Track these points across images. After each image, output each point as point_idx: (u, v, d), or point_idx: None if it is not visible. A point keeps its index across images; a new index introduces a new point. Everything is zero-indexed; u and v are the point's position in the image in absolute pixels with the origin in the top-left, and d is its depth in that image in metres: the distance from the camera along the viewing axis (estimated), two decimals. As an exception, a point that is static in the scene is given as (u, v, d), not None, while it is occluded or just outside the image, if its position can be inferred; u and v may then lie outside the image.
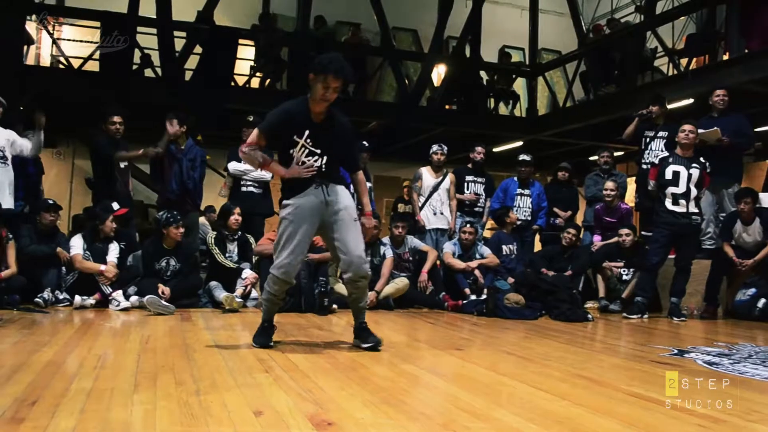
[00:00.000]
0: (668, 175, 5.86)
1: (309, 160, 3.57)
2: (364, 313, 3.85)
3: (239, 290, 5.64)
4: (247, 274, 5.76)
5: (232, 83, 9.56)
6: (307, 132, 3.58)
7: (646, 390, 2.80)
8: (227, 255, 5.95)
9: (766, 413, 2.53)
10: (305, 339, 4.10)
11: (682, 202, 5.82)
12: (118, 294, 5.32)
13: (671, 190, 5.85)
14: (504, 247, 7.00)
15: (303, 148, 3.57)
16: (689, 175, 5.83)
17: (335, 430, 2.03)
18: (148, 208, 8.20)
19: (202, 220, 7.54)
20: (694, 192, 5.83)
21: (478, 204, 7.49)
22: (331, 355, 3.52)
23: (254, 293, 5.79)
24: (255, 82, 10.11)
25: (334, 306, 5.71)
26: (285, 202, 3.61)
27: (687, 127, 5.96)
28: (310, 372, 2.94)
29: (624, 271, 6.69)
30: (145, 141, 6.62)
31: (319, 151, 3.59)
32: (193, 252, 6.05)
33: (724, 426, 2.27)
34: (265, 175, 6.53)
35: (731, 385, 3.02)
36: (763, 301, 5.99)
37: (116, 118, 6.28)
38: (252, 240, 6.12)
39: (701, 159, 5.95)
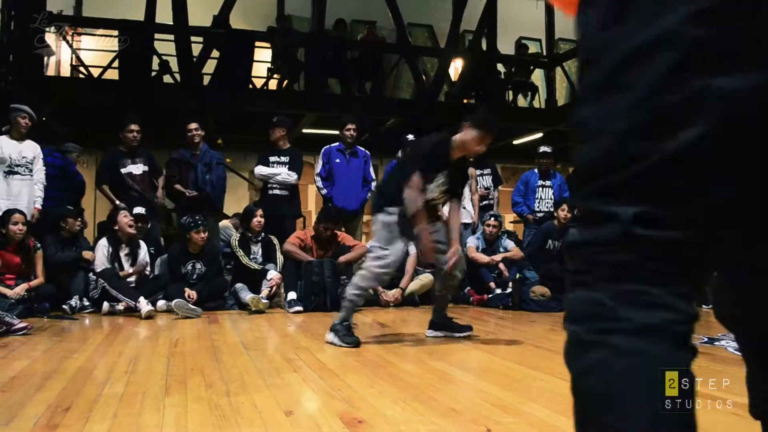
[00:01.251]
0: None
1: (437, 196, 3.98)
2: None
3: (265, 291, 5.67)
4: (272, 275, 5.78)
5: (250, 86, 9.59)
6: (445, 172, 3.92)
7: (678, 379, 2.76)
8: (251, 257, 5.98)
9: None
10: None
11: None
12: (143, 301, 5.35)
13: None
14: (550, 242, 6.91)
15: (437, 184, 3.93)
16: None
17: (366, 428, 2.02)
18: (171, 212, 8.26)
19: (225, 223, 7.57)
20: None
21: (489, 198, 7.44)
22: (358, 353, 3.52)
23: (288, 295, 5.75)
24: (273, 84, 10.14)
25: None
26: (390, 208, 3.83)
27: None
28: (338, 371, 2.95)
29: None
30: (165, 146, 6.68)
31: (446, 188, 3.97)
32: (216, 255, 6.09)
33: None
34: (289, 178, 6.58)
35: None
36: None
37: (134, 126, 6.38)
38: (276, 241, 6.14)
39: None
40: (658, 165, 0.76)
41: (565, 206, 6.37)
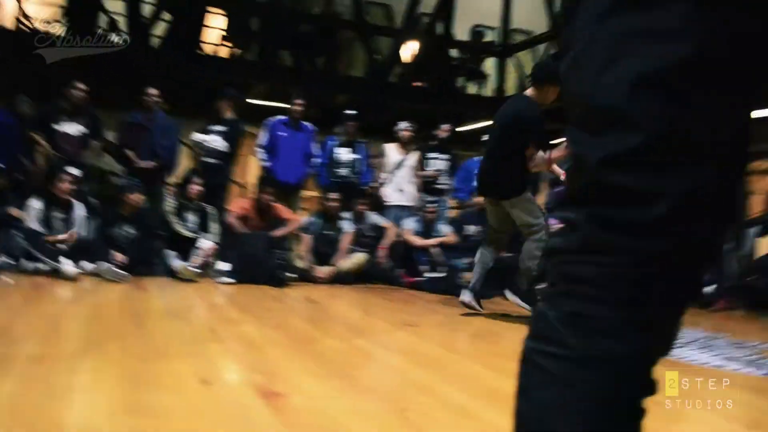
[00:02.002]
0: None
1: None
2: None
3: (196, 260, 5.59)
4: (205, 244, 5.70)
5: (200, 52, 9.37)
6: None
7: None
8: (186, 224, 5.88)
9: (699, 395, 2.61)
10: (260, 311, 4.09)
11: None
12: (67, 261, 5.20)
13: None
14: (468, 227, 7.03)
15: None
16: None
17: (282, 401, 2.03)
18: (108, 174, 8.02)
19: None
20: None
21: (439, 181, 7.48)
22: (284, 327, 3.52)
23: (221, 264, 5.68)
24: (224, 52, 9.93)
25: (291, 277, 5.71)
26: (527, 194, 4.39)
27: None
28: (261, 343, 2.94)
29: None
30: (114, 108, 6.53)
31: None
32: (153, 221, 5.96)
33: (657, 407, 2.32)
34: (220, 146, 6.51)
35: (672, 367, 3.10)
36: (709, 287, 6.13)
37: (80, 85, 6.18)
38: (211, 210, 6.06)
39: None
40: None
41: None
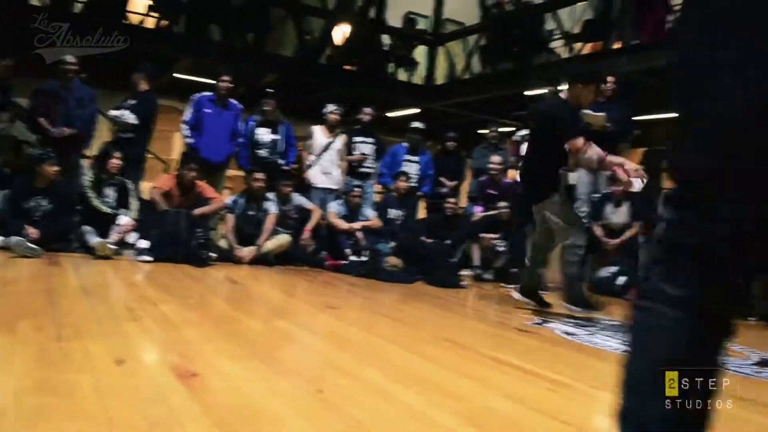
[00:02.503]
0: (523, 151, 6.18)
1: None
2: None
3: (114, 236, 5.44)
4: (124, 220, 5.55)
5: (124, 21, 9.06)
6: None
7: (505, 354, 2.96)
8: (104, 199, 5.71)
9: (609, 380, 2.73)
10: (180, 290, 4.04)
11: None
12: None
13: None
14: (391, 211, 7.11)
15: None
16: None
17: (198, 381, 2.02)
18: (21, 144, 7.67)
19: (83, 162, 7.18)
20: None
21: (365, 164, 7.52)
22: (204, 308, 3.49)
23: (140, 242, 5.54)
24: (150, 22, 9.63)
25: (213, 257, 5.65)
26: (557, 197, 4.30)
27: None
28: (180, 323, 2.90)
29: (499, 242, 6.96)
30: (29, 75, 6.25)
31: None
32: (69, 194, 5.75)
33: (569, 390, 2.45)
34: (130, 120, 6.36)
35: (584, 353, 3.25)
36: (623, 278, 6.40)
37: None
38: (131, 186, 5.90)
39: None
40: None
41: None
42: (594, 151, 4.12)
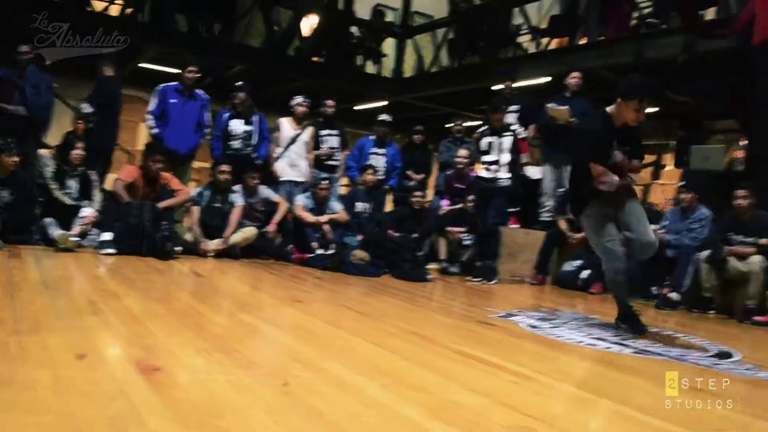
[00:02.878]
0: (483, 146, 6.25)
1: None
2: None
3: (76, 229, 5.35)
4: (87, 212, 5.46)
5: (88, 8, 8.90)
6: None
7: (470, 348, 2.99)
8: (66, 191, 5.61)
9: (572, 373, 2.80)
10: (143, 284, 3.99)
11: (492, 168, 6.22)
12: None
13: (484, 158, 6.25)
14: (358, 204, 7.11)
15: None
16: (500, 144, 6.21)
17: (162, 375, 2.00)
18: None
19: (44, 152, 7.04)
20: (505, 159, 6.20)
21: (333, 158, 7.51)
22: (168, 301, 3.46)
23: (103, 234, 5.44)
24: (114, 10, 9.46)
25: (178, 250, 5.60)
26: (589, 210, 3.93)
27: (495, 116, 6.28)
28: (143, 317, 2.87)
29: (466, 236, 7.01)
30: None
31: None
32: (29, 184, 5.64)
33: (532, 383, 2.48)
34: (85, 110, 6.37)
35: (547, 346, 3.29)
36: (586, 272, 6.49)
37: None
38: (95, 177, 5.81)
39: (511, 127, 6.41)
40: None
41: None
42: (611, 180, 3.75)
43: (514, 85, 7.51)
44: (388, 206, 8.11)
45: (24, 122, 5.98)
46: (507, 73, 7.50)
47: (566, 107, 6.89)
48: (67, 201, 5.54)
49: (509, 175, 6.16)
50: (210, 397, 1.86)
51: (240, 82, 7.12)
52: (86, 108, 6.41)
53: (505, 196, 6.23)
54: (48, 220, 5.38)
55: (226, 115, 6.88)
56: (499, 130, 6.14)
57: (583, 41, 8.78)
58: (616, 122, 3.81)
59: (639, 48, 7.58)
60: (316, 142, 7.31)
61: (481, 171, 6.29)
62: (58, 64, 8.42)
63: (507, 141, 6.16)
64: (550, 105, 6.97)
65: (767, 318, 5.22)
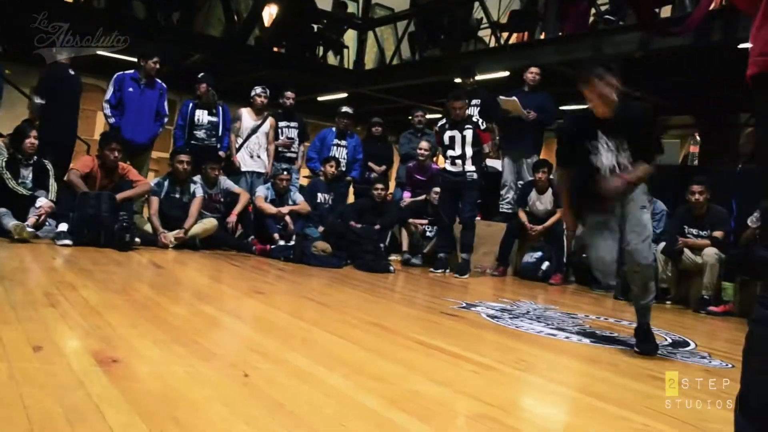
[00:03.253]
0: (446, 140, 6.30)
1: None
2: (646, 312, 3.30)
3: (32, 219, 5.23)
4: (42, 202, 5.34)
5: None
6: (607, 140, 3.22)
7: (431, 338, 3.02)
8: (20, 181, 5.49)
9: (532, 362, 2.84)
10: (101, 275, 3.93)
11: (458, 162, 6.27)
12: None
13: (449, 153, 6.29)
14: (319, 195, 7.09)
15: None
16: (463, 137, 6.26)
17: (120, 367, 1.98)
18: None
19: (-5, 141, 6.88)
20: (470, 152, 6.25)
21: (292, 149, 7.48)
22: (127, 292, 3.42)
23: (59, 226, 5.33)
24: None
25: (137, 241, 5.52)
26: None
27: (457, 104, 6.32)
28: (101, 308, 2.83)
29: (428, 227, 7.05)
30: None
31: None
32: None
33: (493, 372, 2.52)
34: (37, 100, 6.35)
35: (508, 336, 3.34)
36: (546, 263, 6.60)
37: None
38: (49, 167, 5.68)
39: (472, 119, 6.48)
40: None
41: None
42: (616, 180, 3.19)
43: (474, 79, 7.56)
44: (350, 198, 8.12)
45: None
46: (467, 69, 7.55)
47: (514, 98, 6.99)
48: (22, 191, 5.41)
49: (475, 168, 6.20)
50: (168, 389, 1.85)
51: (202, 74, 7.05)
52: (37, 99, 6.29)
53: (477, 189, 6.29)
54: (2, 210, 5.24)
55: (191, 105, 6.80)
56: (460, 122, 6.17)
57: (542, 37, 8.88)
58: (597, 115, 3.25)
59: (596, 44, 7.69)
60: (275, 133, 7.27)
61: (446, 165, 6.31)
62: (8, 50, 8.23)
63: (469, 134, 6.19)
64: (500, 97, 7.06)
65: (721, 308, 5.39)
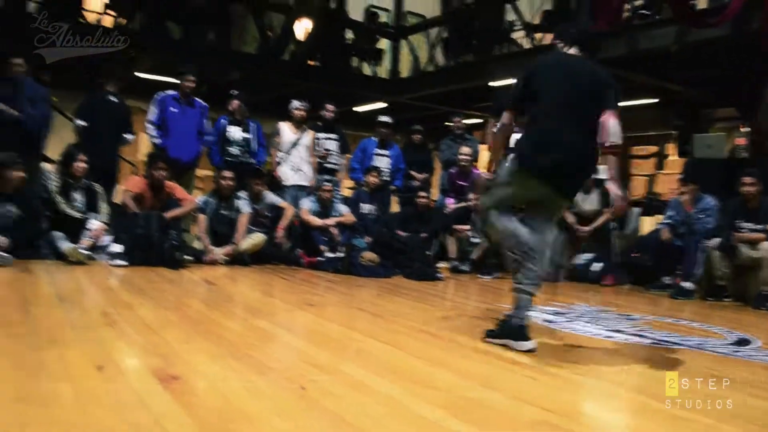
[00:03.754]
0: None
1: None
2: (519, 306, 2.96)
3: (85, 242, 5.36)
4: (94, 225, 5.46)
5: (81, 20, 8.92)
6: None
7: (486, 345, 2.99)
8: (72, 204, 5.62)
9: (591, 366, 2.79)
10: (155, 293, 4.00)
11: None
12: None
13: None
14: (363, 205, 7.11)
15: None
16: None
17: (180, 384, 2.01)
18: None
19: (48, 166, 7.05)
20: None
21: (330, 160, 7.49)
22: (181, 309, 3.47)
23: (113, 246, 5.44)
24: (108, 21, 9.48)
25: (188, 259, 5.61)
26: None
27: None
28: (157, 326, 2.88)
29: (472, 234, 7.00)
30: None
31: None
32: (33, 198, 5.63)
33: (552, 377, 2.48)
34: (79, 122, 6.48)
35: (564, 340, 3.29)
36: (598, 264, 6.50)
37: None
38: (99, 189, 5.81)
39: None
40: None
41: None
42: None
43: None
44: (394, 207, 8.11)
45: (19, 134, 5.93)
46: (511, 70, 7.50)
47: None
48: (75, 214, 5.54)
49: None
50: (227, 404, 1.87)
51: (233, 90, 7.13)
52: (79, 122, 6.45)
53: None
54: (56, 233, 5.38)
55: (224, 121, 6.89)
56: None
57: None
58: None
59: (632, 40, 7.58)
60: (315, 146, 7.32)
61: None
62: (57, 78, 8.46)
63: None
64: None
65: (782, 303, 5.22)
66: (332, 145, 7.46)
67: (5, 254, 4.81)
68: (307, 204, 6.69)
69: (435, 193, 8.48)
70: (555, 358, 2.84)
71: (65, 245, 5.22)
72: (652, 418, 2.06)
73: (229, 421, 1.71)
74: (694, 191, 6.19)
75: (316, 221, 6.56)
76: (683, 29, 6.93)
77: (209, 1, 9.76)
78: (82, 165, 5.66)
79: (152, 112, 6.62)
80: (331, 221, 6.60)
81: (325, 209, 6.69)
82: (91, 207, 5.70)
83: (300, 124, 7.18)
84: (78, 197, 5.68)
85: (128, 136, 6.75)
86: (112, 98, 6.68)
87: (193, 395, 1.95)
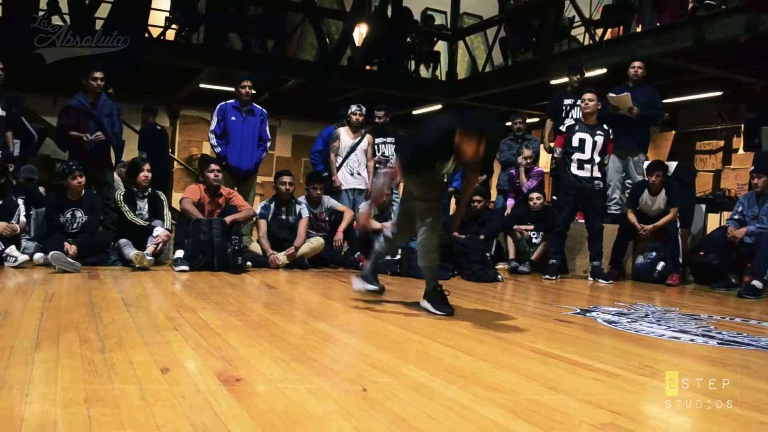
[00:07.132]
0: (575, 142, 6.11)
1: None
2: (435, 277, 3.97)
3: (150, 248, 5.51)
4: (159, 231, 5.62)
5: (146, 34, 9.19)
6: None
7: (548, 346, 2.93)
8: (137, 212, 5.78)
9: (657, 368, 2.70)
10: (218, 297, 4.06)
11: (587, 167, 6.08)
12: (12, 249, 5.10)
13: (577, 156, 6.10)
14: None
15: None
16: (594, 143, 6.08)
17: (243, 386, 2.03)
18: (55, 162, 7.81)
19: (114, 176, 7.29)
20: (597, 158, 6.08)
21: (388, 165, 7.50)
22: (243, 313, 3.51)
23: (176, 252, 5.58)
24: (170, 35, 9.75)
25: (249, 264, 5.69)
26: None
27: (587, 96, 6.21)
28: (220, 330, 2.92)
29: (533, 234, 6.90)
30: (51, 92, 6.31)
31: None
32: (98, 204, 5.82)
33: (616, 379, 2.41)
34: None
35: (628, 341, 3.20)
36: (661, 264, 6.31)
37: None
38: (163, 197, 5.97)
39: (604, 126, 6.23)
40: None
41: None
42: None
43: (584, 76, 7.37)
44: (452, 209, 8.04)
45: (102, 151, 6.15)
46: (575, 67, 7.36)
47: (626, 93, 6.74)
48: (139, 222, 5.70)
49: (600, 175, 6.08)
50: (291, 406, 1.87)
51: (381, 103, 7.45)
52: (142, 154, 6.87)
53: (603, 198, 6.18)
54: (123, 241, 5.56)
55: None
56: (593, 125, 6.05)
57: (638, 29, 8.56)
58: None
59: (698, 31, 7.35)
60: (373, 150, 7.34)
61: (573, 168, 6.14)
62: (119, 93, 8.72)
63: (600, 140, 6.05)
64: (610, 95, 6.82)
65: None
66: (390, 149, 7.48)
67: (74, 261, 4.99)
68: (366, 207, 6.70)
69: (493, 195, 8.40)
70: (619, 360, 2.76)
71: (131, 252, 5.37)
72: (724, 421, 1.97)
73: (292, 423, 1.71)
74: (766, 183, 5.95)
75: (375, 224, 6.55)
76: (753, 18, 6.68)
77: (268, 11, 9.92)
78: (147, 175, 5.83)
79: (214, 122, 6.75)
80: (388, 224, 6.59)
81: (382, 212, 6.69)
82: (156, 215, 5.86)
83: (358, 129, 7.22)
84: (143, 206, 5.84)
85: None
86: (159, 127, 7.03)
87: (256, 397, 1.96)
